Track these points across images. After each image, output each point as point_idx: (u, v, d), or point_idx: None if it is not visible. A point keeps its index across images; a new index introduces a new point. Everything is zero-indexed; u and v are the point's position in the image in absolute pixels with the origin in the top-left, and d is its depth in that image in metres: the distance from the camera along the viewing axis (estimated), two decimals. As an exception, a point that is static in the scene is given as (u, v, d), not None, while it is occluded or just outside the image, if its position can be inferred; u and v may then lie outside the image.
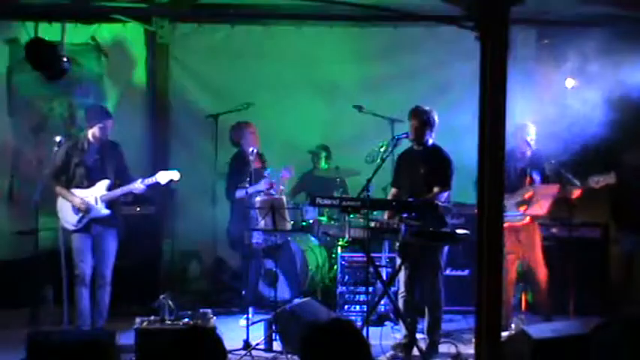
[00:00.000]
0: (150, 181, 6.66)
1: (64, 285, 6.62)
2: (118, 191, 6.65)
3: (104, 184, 6.63)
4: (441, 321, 6.37)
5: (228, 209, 7.77)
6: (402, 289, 6.41)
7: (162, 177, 6.72)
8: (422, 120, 6.38)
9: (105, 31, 8.58)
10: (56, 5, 7.94)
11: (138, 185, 6.61)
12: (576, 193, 6.73)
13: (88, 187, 6.61)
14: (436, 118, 6.45)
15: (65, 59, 7.50)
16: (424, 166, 6.35)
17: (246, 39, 8.83)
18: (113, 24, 8.51)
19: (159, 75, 8.79)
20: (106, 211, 6.62)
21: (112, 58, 8.64)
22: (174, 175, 6.78)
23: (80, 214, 6.57)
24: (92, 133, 6.64)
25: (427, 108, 6.45)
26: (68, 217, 6.60)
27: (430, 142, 6.45)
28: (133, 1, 8.25)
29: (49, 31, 8.03)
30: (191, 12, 8.42)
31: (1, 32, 8.28)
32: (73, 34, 8.30)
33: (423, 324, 6.46)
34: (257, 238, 7.28)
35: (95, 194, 6.60)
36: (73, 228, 6.60)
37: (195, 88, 8.91)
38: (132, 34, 8.72)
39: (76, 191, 6.61)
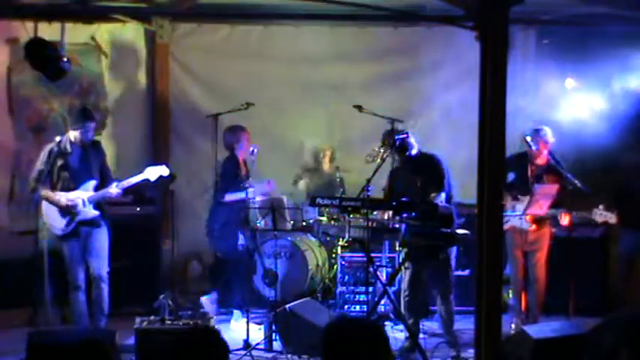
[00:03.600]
0: (137, 179, 6.59)
1: (45, 287, 6.56)
2: (105, 192, 6.54)
3: (90, 185, 6.54)
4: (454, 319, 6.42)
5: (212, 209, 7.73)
6: (405, 289, 6.39)
7: (151, 173, 6.65)
8: (400, 151, 6.41)
9: (105, 31, 8.57)
10: (56, 5, 7.94)
11: (113, 190, 6.53)
12: (565, 219, 6.76)
13: (74, 189, 6.51)
14: (411, 140, 6.44)
15: (65, 59, 7.49)
16: (420, 177, 6.33)
17: (246, 39, 8.83)
18: (113, 24, 8.51)
19: (159, 75, 8.79)
20: (94, 212, 6.54)
21: (112, 58, 8.64)
22: (163, 170, 6.71)
23: (68, 217, 6.48)
24: (74, 135, 6.53)
25: (401, 135, 6.43)
26: (55, 222, 6.49)
27: (414, 151, 6.43)
28: (133, 1, 8.25)
29: (49, 31, 8.03)
30: (191, 12, 8.42)
31: (1, 32, 8.27)
32: (73, 34, 8.29)
33: (423, 324, 6.48)
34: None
35: (82, 196, 6.50)
36: (61, 233, 6.49)
37: (195, 88, 8.90)
38: (132, 34, 8.72)
39: (63, 194, 6.49)
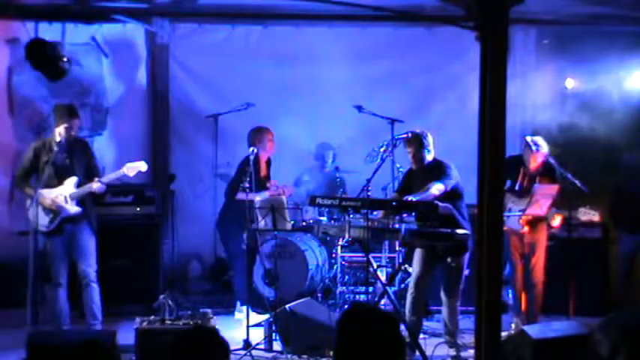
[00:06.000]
0: (116, 174, 6.61)
1: (29, 286, 6.56)
2: (87, 188, 6.53)
3: (72, 181, 6.55)
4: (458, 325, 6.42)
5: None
6: (411, 288, 6.38)
7: (129, 169, 6.64)
8: (417, 145, 6.34)
9: (105, 31, 8.58)
10: (56, 5, 7.95)
11: (95, 185, 6.51)
12: (557, 220, 6.79)
13: (57, 185, 6.54)
14: (429, 136, 6.38)
15: (65, 59, 7.50)
16: (429, 182, 6.28)
17: (246, 39, 8.83)
18: (113, 24, 8.51)
19: (159, 75, 8.80)
20: (76, 209, 6.55)
21: (112, 58, 8.64)
22: (141, 166, 6.70)
23: (51, 215, 6.50)
24: (59, 132, 6.53)
25: (418, 131, 6.39)
26: (40, 219, 6.48)
27: (429, 158, 6.38)
28: (133, 1, 8.25)
29: (49, 31, 8.04)
30: (191, 12, 8.42)
31: (1, 32, 8.27)
32: (73, 34, 8.30)
33: (423, 324, 6.48)
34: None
35: (64, 193, 6.52)
36: (45, 230, 6.50)
37: (195, 88, 8.91)
38: (132, 34, 8.72)
39: (46, 191, 6.50)
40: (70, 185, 6.56)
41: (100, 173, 6.75)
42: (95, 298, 6.61)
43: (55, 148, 6.49)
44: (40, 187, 6.49)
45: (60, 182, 6.56)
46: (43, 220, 6.51)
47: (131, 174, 6.66)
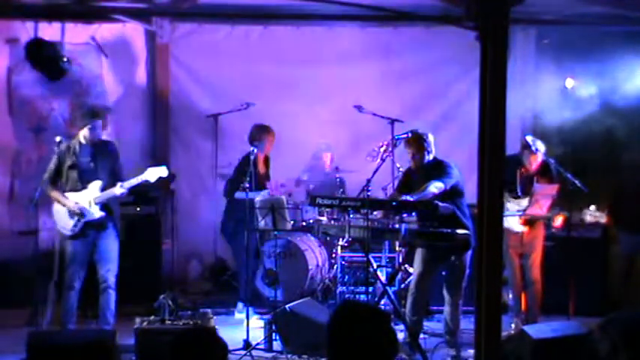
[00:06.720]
0: (138, 180, 6.52)
1: (50, 288, 6.53)
2: (110, 193, 6.44)
3: (97, 185, 6.45)
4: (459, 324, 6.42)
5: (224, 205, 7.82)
6: (412, 288, 6.37)
7: (151, 174, 6.56)
8: (417, 147, 6.31)
9: (105, 31, 8.58)
10: (56, 5, 7.95)
11: (117, 190, 6.42)
12: (558, 221, 6.80)
13: (82, 189, 6.44)
14: (430, 137, 6.34)
15: (65, 59, 7.50)
16: (429, 182, 6.25)
17: (246, 39, 8.84)
18: (113, 24, 8.51)
19: (159, 75, 8.80)
20: (100, 214, 6.44)
21: (112, 58, 8.64)
22: (162, 171, 6.62)
23: (75, 218, 6.42)
24: (83, 134, 6.45)
25: (419, 132, 6.37)
26: (64, 222, 6.44)
27: (429, 157, 6.35)
28: (133, 1, 8.26)
29: (49, 31, 8.04)
30: (191, 12, 8.43)
31: (1, 32, 8.28)
32: (73, 34, 8.31)
33: (425, 324, 6.48)
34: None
35: (88, 197, 6.43)
36: (69, 233, 6.44)
37: (195, 88, 8.91)
38: (132, 34, 8.72)
39: (71, 195, 6.43)
40: (94, 189, 6.45)
41: (123, 177, 6.63)
42: (111, 305, 6.54)
43: (79, 151, 6.42)
44: (64, 191, 6.43)
45: (84, 186, 6.45)
46: (67, 224, 6.43)
47: (152, 179, 6.58)
